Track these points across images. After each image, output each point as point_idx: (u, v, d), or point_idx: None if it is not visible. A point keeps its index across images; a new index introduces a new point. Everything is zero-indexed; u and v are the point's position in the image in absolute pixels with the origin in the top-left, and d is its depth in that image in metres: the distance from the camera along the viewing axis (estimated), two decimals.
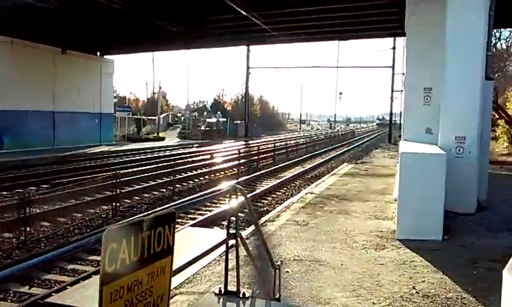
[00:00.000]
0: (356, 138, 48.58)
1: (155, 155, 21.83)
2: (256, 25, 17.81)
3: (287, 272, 4.84)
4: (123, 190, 10.48)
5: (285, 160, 20.83)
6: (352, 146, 34.73)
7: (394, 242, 6.11)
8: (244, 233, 5.45)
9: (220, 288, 2.65)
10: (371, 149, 29.28)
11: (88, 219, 9.09)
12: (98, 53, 26.70)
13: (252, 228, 6.63)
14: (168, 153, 23.57)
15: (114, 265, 1.33)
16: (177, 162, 16.05)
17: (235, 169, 16.81)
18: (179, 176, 13.82)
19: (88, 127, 25.74)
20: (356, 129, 77.35)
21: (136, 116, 39.58)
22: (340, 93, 60.87)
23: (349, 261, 5.29)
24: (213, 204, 10.22)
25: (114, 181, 9.98)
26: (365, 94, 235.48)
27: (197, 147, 27.86)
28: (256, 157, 19.55)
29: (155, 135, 36.42)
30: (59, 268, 6.35)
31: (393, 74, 34.12)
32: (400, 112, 28.05)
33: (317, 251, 5.70)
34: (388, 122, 43.28)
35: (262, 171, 16.46)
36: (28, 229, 7.53)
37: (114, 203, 9.68)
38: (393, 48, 33.04)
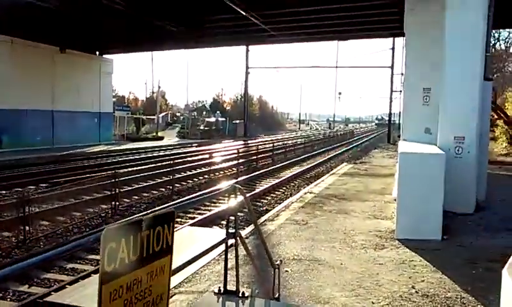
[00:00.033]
0: (355, 138, 48.59)
1: (154, 155, 21.81)
2: (255, 25, 17.81)
3: (286, 271, 4.85)
4: (122, 190, 10.47)
5: (284, 160, 20.84)
6: (352, 146, 34.73)
7: (393, 242, 6.12)
8: (243, 233, 5.45)
9: (219, 287, 2.65)
10: (370, 149, 29.30)
11: (87, 218, 9.08)
12: (97, 52, 26.69)
13: (251, 227, 6.63)
14: (167, 152, 23.56)
15: (113, 265, 1.33)
16: (176, 161, 16.04)
17: (234, 168, 16.81)
18: (178, 176, 13.83)
19: (87, 126, 25.73)
20: (355, 129, 77.34)
21: (135, 116, 39.55)
22: (339, 93, 61.03)
23: (348, 261, 5.29)
24: (212, 204, 10.22)
25: (114, 180, 9.97)
26: (364, 95, 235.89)
27: (196, 146, 27.85)
28: (255, 157, 19.55)
29: (154, 134, 36.41)
30: (58, 267, 6.35)
31: (392, 74, 34.18)
32: (400, 112, 28.11)
33: (317, 250, 5.70)
34: (387, 122, 43.29)
35: (261, 171, 16.46)
36: (27, 228, 7.53)
37: (113, 202, 9.67)
38: (393, 48, 33.07)
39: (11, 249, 7.09)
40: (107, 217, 9.30)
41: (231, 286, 2.63)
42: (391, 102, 35.79)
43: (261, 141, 32.87)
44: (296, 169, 17.58)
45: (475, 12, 7.52)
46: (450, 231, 6.42)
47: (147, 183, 12.82)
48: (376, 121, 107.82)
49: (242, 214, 8.67)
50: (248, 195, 3.15)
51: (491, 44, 14.04)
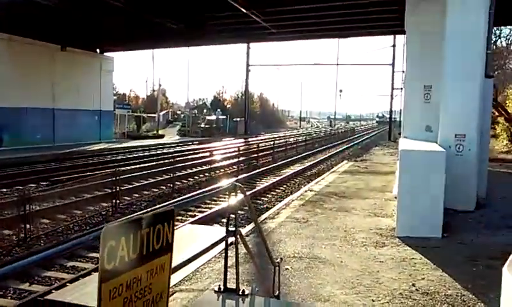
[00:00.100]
0: (355, 136, 48.57)
1: (155, 153, 21.82)
2: (256, 22, 17.76)
3: (287, 269, 4.85)
4: (122, 188, 10.47)
5: (285, 158, 20.83)
6: (352, 143, 34.72)
7: (394, 240, 6.12)
8: (243, 231, 5.46)
9: (219, 285, 2.65)
10: (371, 147, 29.30)
11: (87, 217, 9.09)
12: (97, 50, 26.66)
13: (252, 225, 6.63)
14: (167, 150, 23.58)
15: (113, 263, 1.32)
16: (177, 159, 16.03)
17: (234, 166, 16.81)
18: (179, 174, 13.83)
19: (88, 124, 25.72)
20: (356, 127, 77.28)
21: (135, 114, 39.53)
22: (340, 91, 61.12)
23: (348, 259, 5.29)
24: (213, 202, 10.23)
25: (114, 178, 9.97)
26: (365, 92, 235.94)
27: (197, 144, 27.85)
28: (256, 155, 19.54)
29: (155, 132, 36.42)
30: (58, 265, 6.35)
31: (393, 72, 34.20)
32: (400, 110, 28.06)
33: (317, 248, 5.71)
34: (388, 120, 43.26)
35: (262, 169, 16.46)
36: (28, 226, 7.53)
37: (114, 200, 9.68)
38: (394, 46, 33.08)
39: (12, 247, 7.10)
40: (108, 215, 9.31)
41: (231, 284, 2.63)
42: (392, 99, 35.84)
43: (262, 139, 32.85)
44: (297, 167, 17.57)
45: (476, 11, 7.51)
46: (451, 229, 6.42)
47: (148, 181, 12.82)
48: (377, 119, 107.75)
49: (242, 212, 8.68)
50: (248, 193, 3.15)
51: (492, 41, 14.02)
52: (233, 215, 2.77)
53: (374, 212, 7.96)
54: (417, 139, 8.59)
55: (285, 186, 13.44)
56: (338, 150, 27.38)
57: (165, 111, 49.79)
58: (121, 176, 10.51)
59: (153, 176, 13.75)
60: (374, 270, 4.89)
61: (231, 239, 2.64)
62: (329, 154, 24.39)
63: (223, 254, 2.70)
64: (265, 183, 13.33)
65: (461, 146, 7.51)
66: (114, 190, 9.82)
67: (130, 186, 11.80)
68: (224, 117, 44.84)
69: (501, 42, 31.74)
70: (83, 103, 25.16)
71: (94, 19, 18.34)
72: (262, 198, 11.48)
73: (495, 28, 23.18)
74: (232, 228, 2.60)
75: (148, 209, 9.22)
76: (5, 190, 11.21)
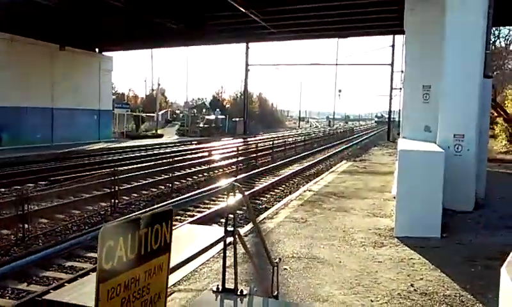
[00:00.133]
0: (354, 136, 48.60)
1: (154, 152, 21.81)
2: (255, 22, 17.77)
3: (285, 269, 4.85)
4: (121, 187, 10.47)
5: (284, 158, 20.83)
6: (351, 143, 34.74)
7: (392, 240, 6.12)
8: (242, 231, 5.45)
9: (218, 285, 2.65)
10: (370, 147, 29.32)
11: (86, 216, 9.08)
12: (96, 49, 26.63)
13: (250, 225, 6.63)
14: (166, 150, 23.56)
15: (111, 263, 1.32)
16: (176, 159, 16.04)
17: (233, 166, 16.80)
18: (177, 173, 13.82)
19: (87, 124, 25.71)
20: (354, 127, 77.31)
21: (134, 113, 39.51)
22: (339, 91, 61.09)
23: (347, 259, 5.29)
24: (212, 202, 10.22)
25: (113, 178, 9.96)
26: (364, 92, 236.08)
27: (195, 144, 27.84)
28: (254, 155, 19.55)
29: (154, 132, 36.41)
30: (57, 265, 6.35)
31: (392, 72, 34.19)
32: (399, 110, 28.10)
33: (316, 248, 5.71)
34: (386, 120, 43.28)
35: (261, 169, 16.46)
36: (26, 226, 7.52)
37: (112, 200, 9.67)
38: (393, 46, 33.06)
39: (10, 246, 7.09)
40: (106, 215, 9.30)
41: (230, 284, 2.63)
42: (391, 99, 35.85)
43: (261, 139, 32.85)
44: (296, 167, 17.58)
45: (475, 11, 7.51)
46: (450, 229, 6.43)
47: (146, 181, 12.82)
48: (376, 119, 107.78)
49: (241, 212, 8.69)
50: (247, 193, 3.16)
51: (491, 42, 14.03)
52: (231, 215, 2.77)
53: (373, 212, 7.96)
54: (416, 139, 8.59)
55: (283, 186, 13.44)
56: (337, 150, 27.40)
57: (164, 111, 49.77)
58: (120, 176, 10.50)
59: (152, 176, 13.75)
60: (372, 271, 4.89)
61: (229, 239, 2.64)
62: (328, 154, 24.40)
63: (222, 254, 2.69)
64: (264, 183, 13.33)
65: (459, 147, 7.51)
66: (112, 190, 9.81)
67: (129, 186, 11.79)
68: (223, 117, 44.85)
69: (500, 42, 31.78)
70: (82, 102, 25.13)
71: (94, 19, 18.33)
72: (261, 198, 11.48)
73: (493, 28, 23.21)
74: (230, 228, 2.59)
75: (147, 209, 9.22)
76: (3, 189, 11.20)
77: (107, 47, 26.92)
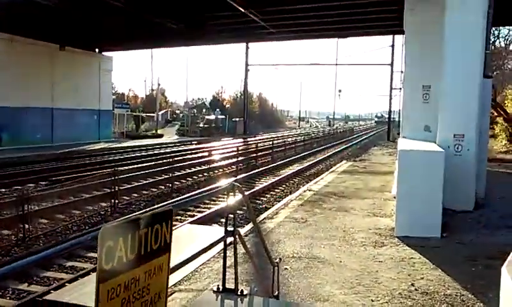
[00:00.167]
0: (354, 135, 48.59)
1: (154, 152, 21.80)
2: (255, 22, 17.77)
3: (286, 269, 4.84)
4: (121, 187, 10.47)
5: (284, 158, 20.83)
6: (351, 143, 34.74)
7: (393, 240, 6.12)
8: (242, 231, 5.45)
9: (218, 285, 2.65)
10: (370, 147, 29.31)
11: (86, 216, 9.08)
12: (97, 50, 26.64)
13: (251, 225, 6.63)
14: (166, 150, 23.56)
15: (111, 263, 1.32)
16: (176, 159, 16.04)
17: (233, 166, 16.80)
18: (178, 173, 13.82)
19: (87, 124, 25.72)
20: (354, 127, 77.31)
21: (134, 113, 39.50)
22: (339, 91, 61.05)
23: (347, 259, 5.29)
24: (212, 202, 10.22)
25: (113, 178, 9.96)
26: (363, 92, 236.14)
27: (195, 144, 27.85)
28: (254, 155, 19.55)
29: (154, 132, 36.41)
30: (57, 265, 6.35)
31: (392, 72, 34.18)
32: (399, 110, 28.09)
33: (316, 248, 5.70)
34: (386, 120, 43.28)
35: (261, 169, 16.46)
36: (27, 226, 7.52)
37: (112, 200, 9.67)
38: (392, 45, 33.04)
39: (11, 247, 7.09)
40: (107, 215, 9.30)
41: (230, 284, 2.63)
42: (391, 99, 35.84)
43: (261, 139, 32.85)
44: (296, 167, 17.57)
45: (475, 11, 7.50)
46: (450, 229, 6.42)
47: (146, 181, 12.82)
48: (376, 119, 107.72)
49: (241, 212, 8.69)
50: (247, 193, 3.15)
51: (491, 42, 14.03)
52: (231, 215, 2.77)
53: (373, 211, 7.96)
54: (416, 139, 8.59)
55: (284, 186, 13.44)
56: (337, 150, 27.40)
57: (164, 111, 49.78)
58: (120, 176, 10.50)
59: (152, 176, 13.75)
60: (373, 270, 4.89)
61: (230, 239, 2.64)
62: (328, 154, 24.40)
63: (222, 254, 2.69)
64: (264, 183, 13.33)
65: (459, 146, 7.51)
66: (113, 190, 9.81)
67: (129, 186, 11.79)
68: (223, 117, 44.84)
69: (500, 42, 31.82)
70: (82, 102, 25.14)
71: (94, 19, 18.33)
72: (261, 198, 11.47)
73: (493, 28, 23.22)
74: (230, 228, 2.59)
75: (147, 209, 9.22)
76: (4, 190, 11.20)
77: (107, 47, 26.91)
